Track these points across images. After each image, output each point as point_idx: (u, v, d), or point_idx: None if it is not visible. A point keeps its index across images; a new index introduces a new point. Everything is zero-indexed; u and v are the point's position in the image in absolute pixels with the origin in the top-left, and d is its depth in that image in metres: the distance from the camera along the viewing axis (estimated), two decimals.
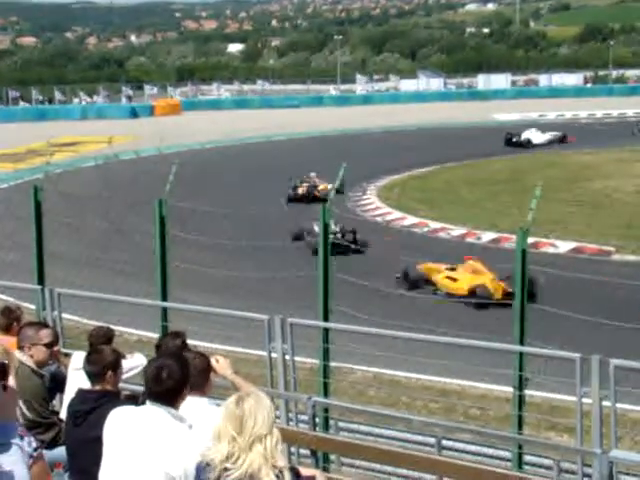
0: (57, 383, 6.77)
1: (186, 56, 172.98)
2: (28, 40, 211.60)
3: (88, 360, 5.37)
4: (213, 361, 5.37)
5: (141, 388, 5.14)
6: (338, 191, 11.82)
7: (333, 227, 25.99)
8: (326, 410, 8.74)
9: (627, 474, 8.14)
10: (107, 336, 6.84)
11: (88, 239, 23.09)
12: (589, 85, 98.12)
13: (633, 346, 13.38)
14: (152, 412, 4.37)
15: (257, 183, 37.63)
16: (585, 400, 6.52)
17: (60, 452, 5.71)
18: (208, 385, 5.08)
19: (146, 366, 4.62)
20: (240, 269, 19.23)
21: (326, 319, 9.01)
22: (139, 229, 16.90)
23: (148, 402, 4.42)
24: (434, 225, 28.84)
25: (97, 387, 5.27)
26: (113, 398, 5.19)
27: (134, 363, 6.90)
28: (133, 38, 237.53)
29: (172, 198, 10.16)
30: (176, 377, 4.36)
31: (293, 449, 7.63)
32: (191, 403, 4.63)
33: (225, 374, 5.43)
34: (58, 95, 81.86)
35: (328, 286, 9.08)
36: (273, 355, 7.84)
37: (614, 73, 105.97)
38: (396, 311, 15.73)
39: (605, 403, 6.39)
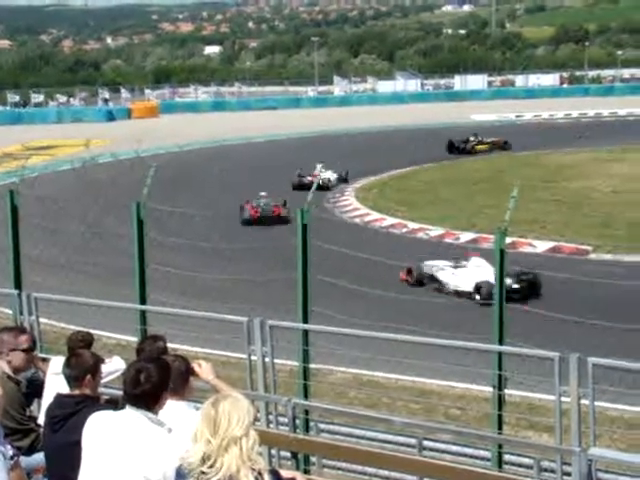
0: (34, 388, 6.71)
1: (163, 58, 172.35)
2: (2, 43, 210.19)
3: (67, 365, 5.33)
4: (195, 366, 5.36)
5: (120, 392, 5.11)
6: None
7: None
8: (306, 412, 8.73)
9: (606, 472, 8.19)
10: (86, 340, 6.79)
11: (65, 243, 23.00)
12: (565, 85, 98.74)
13: (612, 344, 13.47)
14: (131, 416, 4.35)
15: (236, 185, 37.56)
16: (564, 399, 6.54)
17: (39, 458, 5.67)
18: (187, 389, 5.06)
19: (125, 369, 4.60)
20: (219, 271, 19.18)
21: (305, 321, 9.00)
22: (117, 232, 16.83)
23: (127, 406, 4.40)
24: (413, 226, 28.92)
25: (76, 392, 5.23)
26: (92, 403, 5.15)
27: (113, 367, 6.85)
28: (109, 40, 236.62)
29: (150, 201, 10.12)
30: (154, 380, 4.34)
31: (273, 451, 7.61)
32: (169, 406, 4.61)
33: (207, 378, 5.41)
34: (34, 98, 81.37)
35: (307, 288, 9.07)
36: (253, 357, 7.82)
37: (590, 74, 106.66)
38: (376, 312, 15.75)
39: (584, 401, 6.42)
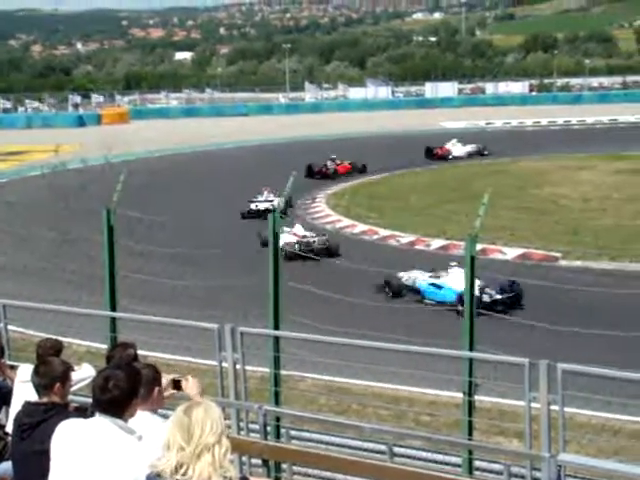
0: (2, 396, 6.66)
1: (134, 64, 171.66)
2: None
3: (36, 372, 5.29)
4: (183, 380, 5.34)
5: (90, 400, 5.08)
6: (287, 204, 11.80)
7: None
8: (277, 419, 8.71)
9: (575, 477, 8.24)
10: (55, 348, 6.75)
11: (35, 249, 22.83)
12: (534, 93, 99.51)
13: (582, 349, 13.57)
14: (100, 424, 4.32)
15: (207, 191, 37.49)
16: (534, 405, 6.58)
17: (6, 466, 5.62)
18: (154, 398, 4.99)
19: (95, 377, 4.57)
20: (190, 278, 19.13)
21: (277, 327, 8.99)
22: (87, 238, 16.74)
23: (96, 413, 4.37)
24: (384, 232, 28.99)
25: (45, 399, 5.20)
26: (61, 410, 5.11)
27: (83, 375, 6.81)
28: (79, 46, 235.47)
29: (121, 207, 10.07)
30: (123, 387, 4.31)
31: (244, 459, 7.59)
32: (136, 415, 4.57)
33: (191, 393, 5.37)
34: (3, 104, 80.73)
35: (279, 294, 9.07)
36: (224, 364, 7.80)
37: (558, 82, 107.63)
38: (347, 318, 15.76)
39: (553, 407, 6.46)
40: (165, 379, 5.28)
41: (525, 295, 19.79)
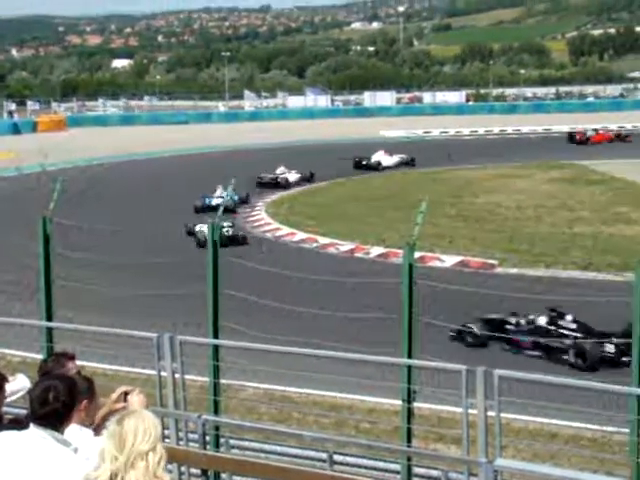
0: None
1: (70, 71, 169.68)
2: None
3: None
4: (131, 393, 5.26)
5: (24, 411, 5.00)
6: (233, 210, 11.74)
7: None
8: (217, 428, 8.68)
9: None
10: None
11: None
12: (471, 103, 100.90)
13: (517, 356, 13.78)
14: (36, 436, 4.26)
15: (145, 199, 37.20)
16: (471, 411, 6.66)
17: None
18: (84, 410, 4.83)
19: (31, 388, 4.50)
20: (128, 287, 18.94)
21: (216, 336, 8.95)
22: (22, 247, 16.48)
23: (32, 425, 4.30)
24: (323, 241, 29.06)
25: None
26: None
27: (17, 386, 6.69)
28: (14, 52, 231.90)
29: (57, 216, 9.94)
30: (63, 399, 4.26)
31: (184, 469, 7.54)
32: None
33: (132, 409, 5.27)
34: None
35: (218, 303, 9.03)
36: (162, 374, 7.74)
37: (494, 91, 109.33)
38: (286, 327, 15.75)
39: (490, 413, 6.54)
40: (116, 393, 5.21)
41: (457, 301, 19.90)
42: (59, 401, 4.25)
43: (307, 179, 44.71)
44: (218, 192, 34.17)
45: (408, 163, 50.71)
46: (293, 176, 43.98)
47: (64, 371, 5.60)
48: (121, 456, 3.65)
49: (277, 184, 42.74)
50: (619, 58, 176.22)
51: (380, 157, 50.82)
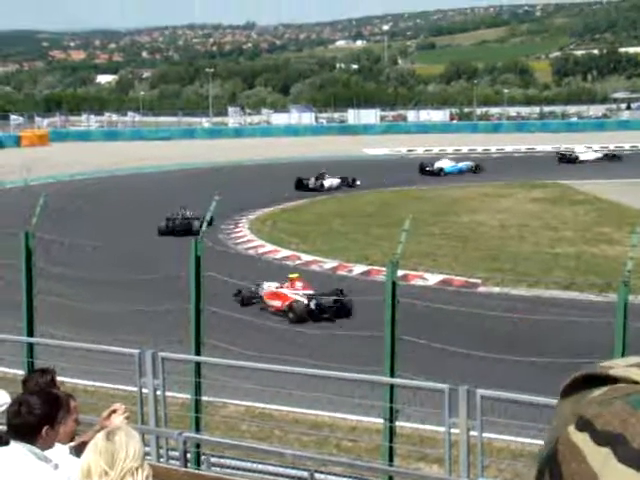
0: None
1: (54, 86, 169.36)
2: None
3: None
4: (117, 410, 5.20)
5: (4, 427, 4.96)
6: (209, 224, 11.74)
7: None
8: (198, 445, 8.63)
9: None
10: None
11: None
12: (455, 122, 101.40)
13: (500, 376, 13.75)
14: (16, 452, 4.22)
15: (127, 215, 37.08)
16: (453, 430, 6.65)
17: None
18: (66, 427, 4.79)
19: (10, 403, 4.48)
20: (111, 303, 18.83)
21: (198, 353, 8.92)
22: (4, 262, 16.40)
23: (11, 441, 4.27)
24: (306, 258, 29.03)
25: None
26: None
27: None
28: None
29: (39, 230, 9.90)
30: (37, 412, 4.24)
31: None
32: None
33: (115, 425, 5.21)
34: None
35: (200, 319, 9.01)
36: (144, 390, 7.70)
37: (478, 110, 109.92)
38: (269, 344, 15.71)
39: (472, 433, 6.54)
40: (107, 411, 5.15)
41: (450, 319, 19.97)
42: (33, 415, 4.23)
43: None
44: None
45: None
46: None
47: (43, 383, 5.57)
48: (112, 472, 3.62)
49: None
50: (602, 79, 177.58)
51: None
